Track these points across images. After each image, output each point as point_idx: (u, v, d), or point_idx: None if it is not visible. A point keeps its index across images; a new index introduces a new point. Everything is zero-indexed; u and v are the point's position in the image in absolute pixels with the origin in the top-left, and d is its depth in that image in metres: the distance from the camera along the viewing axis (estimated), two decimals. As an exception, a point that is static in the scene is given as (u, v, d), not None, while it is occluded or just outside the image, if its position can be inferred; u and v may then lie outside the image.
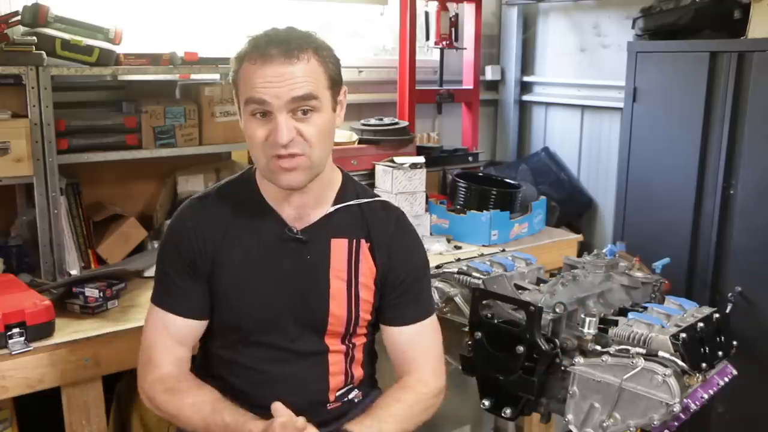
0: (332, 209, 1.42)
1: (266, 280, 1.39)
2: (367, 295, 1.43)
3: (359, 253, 1.43)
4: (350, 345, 1.46)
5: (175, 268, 1.39)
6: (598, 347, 1.44)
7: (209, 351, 1.47)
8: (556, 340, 1.50)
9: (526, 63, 3.58)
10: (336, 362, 1.45)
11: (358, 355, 1.49)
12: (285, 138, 1.26)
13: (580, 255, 1.99)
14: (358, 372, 1.49)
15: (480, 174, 3.10)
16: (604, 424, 1.39)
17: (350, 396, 1.48)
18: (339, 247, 1.41)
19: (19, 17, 2.01)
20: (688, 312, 1.56)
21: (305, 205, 1.40)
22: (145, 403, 1.40)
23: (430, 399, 1.44)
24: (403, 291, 1.45)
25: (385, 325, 1.48)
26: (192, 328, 1.40)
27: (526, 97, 3.59)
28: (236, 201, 1.42)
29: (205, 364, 1.48)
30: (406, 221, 1.51)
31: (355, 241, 1.43)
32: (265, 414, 1.27)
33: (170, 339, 1.39)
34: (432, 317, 1.50)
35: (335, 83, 1.32)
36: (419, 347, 1.47)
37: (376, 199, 1.49)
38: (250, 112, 1.28)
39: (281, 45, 1.25)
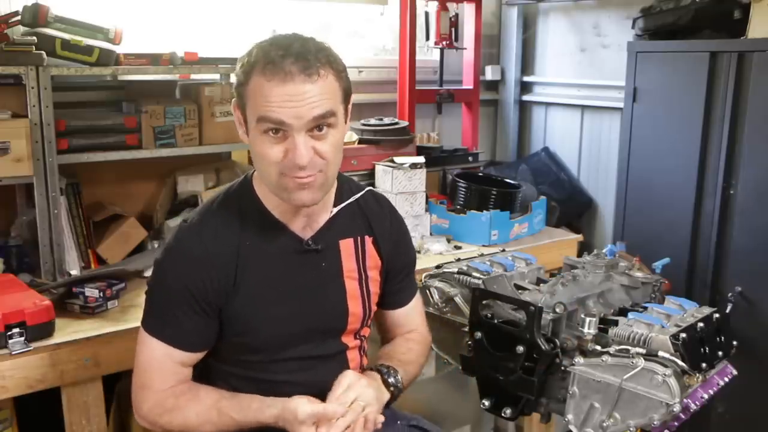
0: (335, 211, 1.41)
1: (286, 297, 1.36)
2: (375, 287, 1.48)
3: (365, 249, 1.45)
4: (361, 338, 1.51)
5: (179, 302, 1.30)
6: (598, 347, 1.43)
7: (217, 368, 1.41)
8: (556, 340, 1.50)
9: (526, 63, 3.58)
10: (353, 358, 1.48)
11: (365, 345, 1.53)
12: (305, 159, 1.21)
13: (580, 255, 1.98)
14: (365, 362, 1.53)
15: (480, 174, 3.10)
16: (604, 424, 1.39)
17: None
18: (347, 248, 1.43)
19: (19, 17, 2.01)
20: (688, 312, 1.55)
21: (313, 213, 1.37)
22: (146, 427, 1.35)
23: (429, 350, 1.61)
24: (403, 277, 1.54)
25: (385, 309, 1.54)
26: (194, 356, 1.35)
27: (526, 97, 3.59)
28: (241, 219, 1.34)
29: (207, 376, 1.41)
30: (396, 209, 1.57)
31: (359, 238, 1.44)
32: None
33: (175, 365, 1.33)
34: (418, 290, 1.62)
35: (348, 95, 1.29)
36: (413, 318, 1.60)
37: (366, 190, 1.50)
38: (263, 130, 1.22)
39: (299, 60, 1.18)
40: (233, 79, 1.28)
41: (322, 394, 1.35)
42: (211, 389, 1.35)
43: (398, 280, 1.53)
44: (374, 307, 1.49)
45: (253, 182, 1.38)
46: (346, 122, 1.32)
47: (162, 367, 1.33)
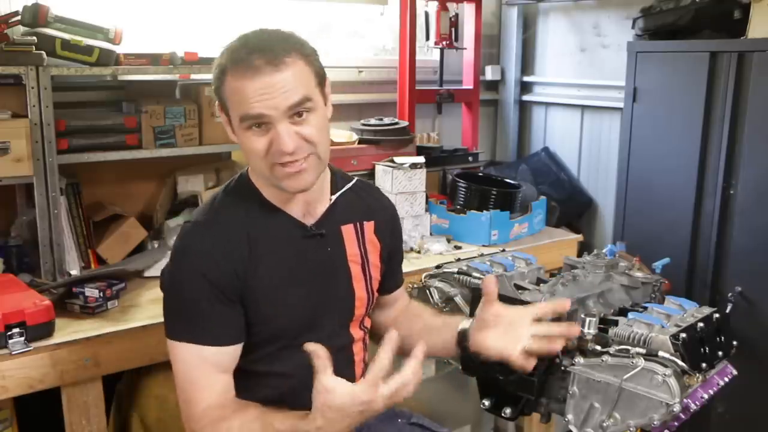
0: (334, 198, 1.45)
1: (299, 282, 1.38)
2: (376, 272, 1.51)
3: (365, 235, 1.49)
4: (364, 330, 1.53)
5: (204, 297, 1.29)
6: (598, 347, 1.44)
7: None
8: (556, 340, 1.50)
9: (526, 63, 3.58)
10: (358, 351, 1.50)
11: (367, 339, 1.55)
12: (290, 146, 1.25)
13: (580, 255, 1.99)
14: (366, 357, 1.54)
15: (480, 174, 3.10)
16: (604, 424, 1.39)
17: None
18: (349, 233, 1.46)
19: (19, 17, 2.01)
20: (688, 312, 1.56)
21: (312, 200, 1.41)
22: None
23: None
24: (398, 260, 1.63)
25: (384, 294, 1.59)
26: (234, 354, 1.34)
27: (526, 97, 3.59)
28: (245, 211, 1.37)
29: None
30: (387, 197, 1.65)
31: (359, 224, 1.48)
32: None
33: (212, 371, 1.30)
34: None
35: (322, 78, 1.33)
36: (404, 294, 1.69)
37: (356, 180, 1.54)
38: (246, 126, 1.26)
39: (265, 53, 1.23)
40: (213, 87, 1.31)
41: (295, 398, 1.33)
42: (257, 405, 1.31)
43: (393, 264, 1.59)
44: (375, 293, 1.52)
45: (251, 176, 1.41)
46: (326, 104, 1.35)
47: (200, 374, 1.29)
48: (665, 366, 1.35)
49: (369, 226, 1.50)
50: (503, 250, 2.13)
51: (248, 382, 1.37)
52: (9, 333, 1.59)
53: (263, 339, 1.37)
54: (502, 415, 1.55)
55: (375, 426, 1.50)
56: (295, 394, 1.33)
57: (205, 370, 1.30)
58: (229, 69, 1.25)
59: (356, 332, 1.50)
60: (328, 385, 1.15)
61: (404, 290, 1.69)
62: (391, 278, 1.60)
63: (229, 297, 1.31)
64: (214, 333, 1.30)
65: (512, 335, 1.36)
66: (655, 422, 1.34)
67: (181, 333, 1.30)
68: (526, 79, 3.58)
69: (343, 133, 2.79)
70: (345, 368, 1.44)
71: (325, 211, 1.43)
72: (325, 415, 1.15)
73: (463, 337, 1.44)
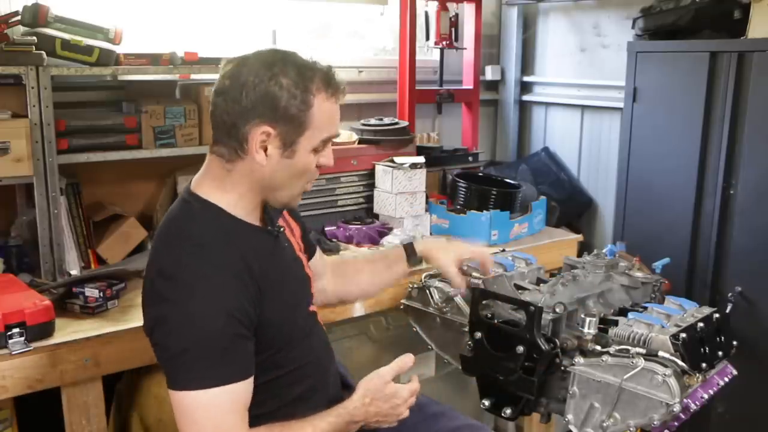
0: None
1: (288, 283, 1.42)
2: (306, 249, 1.61)
3: (289, 222, 1.58)
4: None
5: (230, 336, 1.24)
6: (598, 347, 1.44)
7: None
8: (556, 340, 1.50)
9: (526, 63, 3.58)
10: (319, 319, 1.57)
11: None
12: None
13: (580, 255, 1.99)
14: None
15: (480, 174, 3.10)
16: (604, 424, 1.39)
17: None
18: (284, 225, 1.52)
19: (19, 17, 2.01)
20: (688, 312, 1.56)
21: (259, 206, 1.41)
22: None
23: None
24: (307, 230, 1.69)
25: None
26: (251, 387, 1.29)
27: (526, 97, 3.60)
28: (224, 233, 1.31)
29: None
30: None
31: (283, 214, 1.56)
32: (307, 406, 1.38)
33: (241, 407, 1.26)
34: None
35: None
36: (321, 255, 1.76)
37: None
38: (316, 147, 1.32)
39: (339, 79, 1.31)
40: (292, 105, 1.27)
41: (323, 368, 1.50)
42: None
43: (306, 237, 1.66)
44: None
45: (205, 196, 1.35)
46: None
47: (234, 415, 1.24)
48: (665, 366, 1.35)
49: (286, 213, 1.57)
50: (503, 250, 2.13)
51: (278, 389, 1.39)
52: (9, 333, 1.58)
53: (279, 346, 1.38)
54: (502, 415, 1.56)
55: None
56: (320, 372, 1.48)
57: (238, 408, 1.25)
58: (324, 89, 1.29)
59: (313, 307, 1.56)
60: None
61: (320, 252, 1.76)
62: (309, 248, 1.66)
63: (248, 327, 1.28)
64: (244, 367, 1.26)
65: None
66: (655, 422, 1.34)
67: (206, 379, 1.21)
68: (526, 79, 3.58)
69: (343, 133, 2.79)
70: (324, 346, 1.55)
71: (263, 212, 1.42)
72: (364, 397, 1.33)
73: (410, 249, 1.71)
